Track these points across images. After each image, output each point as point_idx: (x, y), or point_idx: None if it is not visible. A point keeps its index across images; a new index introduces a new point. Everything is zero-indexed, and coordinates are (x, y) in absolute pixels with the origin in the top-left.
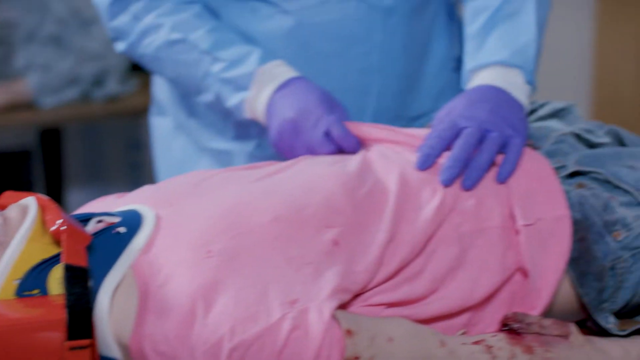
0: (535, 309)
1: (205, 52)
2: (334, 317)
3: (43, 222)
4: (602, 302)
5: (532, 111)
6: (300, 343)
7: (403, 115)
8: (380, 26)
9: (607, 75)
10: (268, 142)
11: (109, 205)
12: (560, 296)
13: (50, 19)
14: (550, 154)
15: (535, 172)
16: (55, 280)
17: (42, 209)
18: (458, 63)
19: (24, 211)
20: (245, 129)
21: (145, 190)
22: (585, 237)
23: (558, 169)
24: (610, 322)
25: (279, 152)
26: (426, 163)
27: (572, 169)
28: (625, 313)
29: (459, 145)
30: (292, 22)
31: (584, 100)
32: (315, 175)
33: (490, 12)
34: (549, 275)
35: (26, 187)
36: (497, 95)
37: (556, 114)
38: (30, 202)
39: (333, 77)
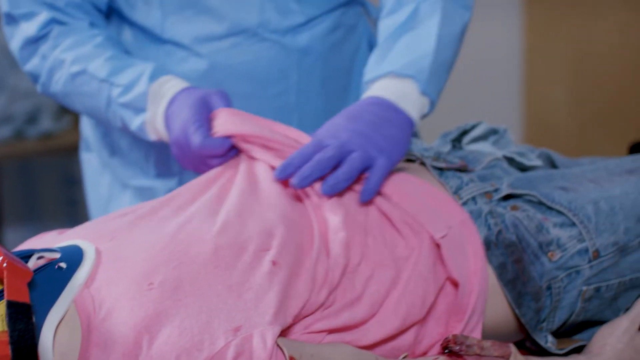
0: (466, 313)
1: (103, 80)
2: (277, 344)
3: None
4: (540, 322)
5: (465, 132)
6: None
7: None
8: (296, 66)
9: (537, 99)
10: (190, 178)
11: (50, 241)
12: (499, 317)
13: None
14: (482, 178)
15: (420, 190)
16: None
17: None
18: None
19: None
20: (167, 166)
21: (85, 226)
22: (521, 258)
23: (492, 192)
24: (548, 341)
25: (184, 169)
26: (282, 173)
27: (505, 192)
28: (563, 332)
29: (315, 159)
30: (206, 65)
31: (514, 125)
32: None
33: (394, 27)
34: (472, 277)
35: None
36: (374, 111)
37: (489, 136)
38: None
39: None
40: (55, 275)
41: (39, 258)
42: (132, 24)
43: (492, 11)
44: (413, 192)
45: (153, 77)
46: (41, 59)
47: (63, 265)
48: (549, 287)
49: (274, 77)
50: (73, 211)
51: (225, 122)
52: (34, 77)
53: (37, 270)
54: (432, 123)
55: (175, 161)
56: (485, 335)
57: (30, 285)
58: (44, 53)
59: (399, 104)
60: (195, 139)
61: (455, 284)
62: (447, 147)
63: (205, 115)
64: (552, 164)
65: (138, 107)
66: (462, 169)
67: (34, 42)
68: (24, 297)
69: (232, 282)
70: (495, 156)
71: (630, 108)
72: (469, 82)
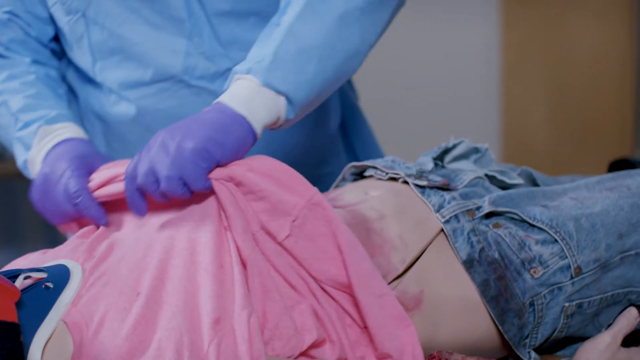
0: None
1: (13, 114)
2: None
3: None
4: (523, 338)
5: (447, 150)
6: None
7: None
8: None
9: (515, 118)
10: None
11: (35, 261)
12: (482, 333)
13: None
14: (464, 196)
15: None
16: None
17: None
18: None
19: None
20: None
21: (68, 244)
22: (503, 275)
23: (474, 210)
24: (532, 357)
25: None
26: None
27: (487, 209)
28: (546, 348)
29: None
30: (134, 110)
31: (492, 143)
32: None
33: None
34: (337, 255)
35: None
36: (187, 124)
37: (470, 154)
38: None
39: None
40: (42, 295)
41: (26, 278)
42: (72, 64)
43: (470, 29)
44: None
45: (52, 120)
46: None
47: (50, 284)
48: (531, 304)
49: None
50: (53, 232)
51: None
52: None
53: (25, 289)
54: (411, 142)
55: None
56: (469, 352)
57: (18, 304)
58: None
59: (229, 104)
60: (72, 184)
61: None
62: (430, 166)
63: (85, 169)
64: (534, 182)
65: (28, 144)
66: (444, 187)
67: None
68: (12, 316)
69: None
70: (477, 175)
71: (607, 126)
72: (447, 101)
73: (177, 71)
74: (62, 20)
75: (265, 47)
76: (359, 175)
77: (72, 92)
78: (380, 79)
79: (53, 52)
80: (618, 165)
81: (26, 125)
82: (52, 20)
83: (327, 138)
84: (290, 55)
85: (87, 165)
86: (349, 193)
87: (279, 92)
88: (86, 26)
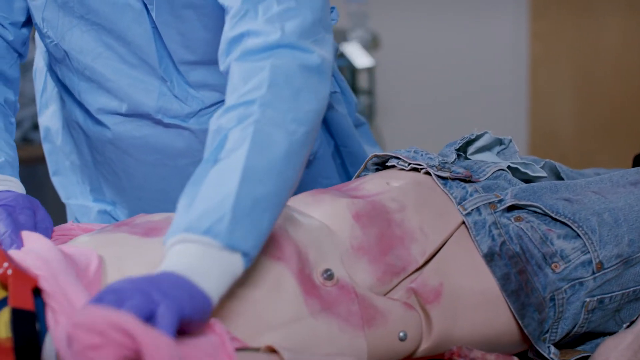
0: None
1: None
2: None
3: None
4: (543, 332)
5: (470, 142)
6: None
7: None
8: (203, 144)
9: (543, 110)
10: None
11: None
12: (502, 327)
13: None
14: (487, 188)
15: None
16: (3, 324)
17: None
18: None
19: None
20: (101, 194)
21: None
22: (524, 269)
23: (496, 202)
24: (551, 352)
25: None
26: None
27: (509, 202)
28: (566, 343)
29: None
30: (111, 135)
31: (520, 135)
32: None
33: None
34: None
35: None
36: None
37: (494, 146)
38: None
39: (164, 179)
40: None
41: None
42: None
43: (499, 20)
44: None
45: None
46: None
47: None
48: (552, 298)
49: (181, 151)
50: None
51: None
52: None
53: None
54: (438, 133)
55: (110, 190)
56: (489, 346)
57: (35, 292)
58: None
59: (191, 278)
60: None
61: None
62: (452, 157)
63: (13, 228)
64: (557, 175)
65: None
66: (467, 179)
67: None
68: (28, 304)
69: None
70: (499, 167)
71: (635, 119)
72: (475, 93)
73: (151, 110)
74: (44, 40)
75: (219, 200)
76: (382, 165)
77: (59, 93)
78: (408, 71)
79: (19, 55)
80: None
81: None
82: (30, 22)
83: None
84: (247, 208)
85: (16, 224)
86: (370, 183)
87: (236, 251)
88: (64, 53)
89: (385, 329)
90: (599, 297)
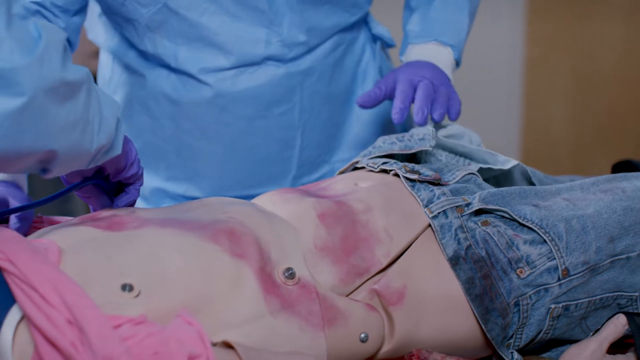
0: None
1: None
2: (235, 350)
3: None
4: (506, 338)
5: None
6: None
7: (327, 160)
8: (299, 87)
9: (537, 113)
10: (198, 185)
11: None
12: (466, 332)
13: None
14: (455, 192)
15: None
16: None
17: None
18: None
19: None
20: (179, 171)
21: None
22: (489, 273)
23: (463, 206)
24: (514, 358)
25: None
26: (403, 116)
27: (476, 206)
28: (531, 350)
29: (421, 94)
30: (212, 93)
31: (513, 137)
32: None
33: None
34: None
35: None
36: (430, 65)
37: (462, 137)
38: None
39: (256, 135)
40: None
41: None
42: (135, 49)
43: (495, 23)
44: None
45: None
46: None
47: None
48: (517, 304)
49: (278, 98)
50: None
51: None
52: None
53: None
54: None
55: (183, 169)
56: (452, 350)
57: None
58: None
59: (439, 66)
60: None
61: None
62: (430, 129)
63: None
64: (529, 180)
65: None
66: (435, 182)
67: None
68: None
69: None
70: (470, 170)
71: (631, 124)
72: (469, 94)
73: (258, 59)
74: (138, 12)
75: (460, 27)
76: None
77: (133, 73)
78: None
79: (70, 44)
80: (621, 167)
81: None
82: (82, 10)
83: None
84: (467, 35)
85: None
86: (340, 183)
87: (456, 62)
88: (167, 16)
89: (346, 330)
90: (564, 303)
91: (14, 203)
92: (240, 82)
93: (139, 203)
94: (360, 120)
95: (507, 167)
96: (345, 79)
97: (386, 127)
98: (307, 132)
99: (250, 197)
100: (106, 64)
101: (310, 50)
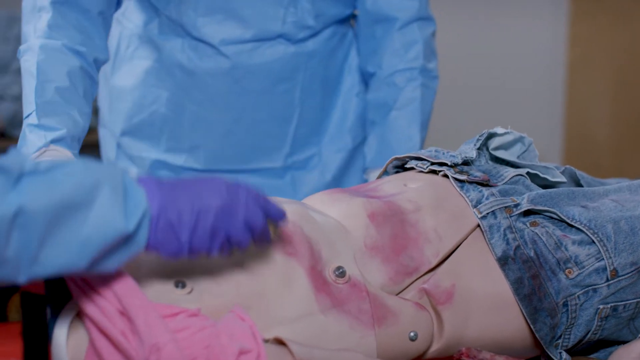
0: None
1: (35, 100)
2: (286, 344)
3: None
4: (555, 338)
5: (492, 135)
6: None
7: (315, 142)
8: (303, 67)
9: (579, 114)
10: (200, 154)
11: None
12: (514, 332)
13: None
14: (504, 193)
15: None
16: (14, 308)
17: None
18: (359, 87)
19: None
20: (177, 142)
21: None
22: (538, 274)
23: (512, 207)
24: (563, 358)
25: None
26: None
27: (525, 207)
28: (579, 350)
29: None
30: (229, 64)
31: (555, 139)
32: None
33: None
34: None
35: None
36: None
37: (514, 144)
38: None
39: (260, 110)
40: None
41: None
42: (162, 16)
43: (537, 25)
44: None
45: (56, 140)
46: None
47: None
48: (565, 304)
49: (285, 76)
50: None
51: None
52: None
53: None
54: (471, 136)
55: (185, 139)
56: (500, 349)
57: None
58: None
59: None
60: None
61: None
62: (472, 154)
63: None
64: (577, 182)
65: (27, 144)
66: (484, 183)
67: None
68: (39, 289)
69: None
70: (518, 172)
71: None
72: (510, 96)
73: (273, 34)
74: None
75: (413, 143)
76: (402, 168)
77: (149, 45)
78: (446, 73)
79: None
80: None
81: (37, 127)
82: None
83: None
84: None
85: None
86: (388, 184)
87: None
88: None
89: (396, 329)
90: (612, 304)
91: None
92: (256, 56)
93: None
94: (343, 109)
95: (556, 179)
96: (336, 67)
97: (364, 122)
98: (304, 111)
99: (245, 172)
100: (113, 38)
101: (314, 34)
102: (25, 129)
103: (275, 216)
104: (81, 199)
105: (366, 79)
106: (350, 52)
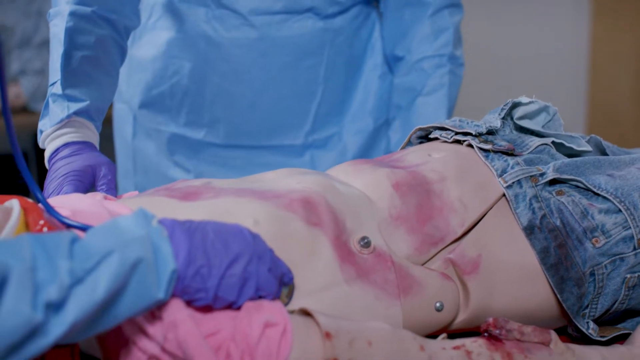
0: None
1: (61, 68)
2: (312, 315)
3: (26, 224)
4: (582, 308)
5: (516, 105)
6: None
7: (336, 122)
8: (329, 44)
9: (602, 89)
10: (219, 129)
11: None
12: (541, 301)
13: (45, 24)
14: (529, 162)
15: None
16: None
17: (25, 210)
18: (382, 69)
19: (7, 213)
20: (197, 116)
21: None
22: (564, 243)
23: (537, 176)
24: (590, 327)
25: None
26: None
27: (551, 176)
28: (606, 320)
29: None
30: (256, 35)
31: (578, 114)
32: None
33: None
34: None
35: (22, 189)
36: None
37: (539, 113)
38: (13, 204)
39: (284, 85)
40: None
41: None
42: None
43: (561, 2)
44: None
45: (80, 112)
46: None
47: None
48: (592, 273)
49: (311, 51)
50: None
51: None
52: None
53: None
54: (495, 105)
55: (206, 113)
56: (527, 319)
57: None
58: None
59: None
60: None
61: None
62: (497, 123)
63: (88, 178)
64: (602, 151)
65: (52, 119)
66: (509, 153)
67: None
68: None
69: None
70: (543, 142)
71: None
72: (534, 72)
73: (302, 8)
74: None
75: None
76: (425, 138)
77: (174, 15)
78: (468, 71)
79: None
80: None
81: (61, 97)
82: None
83: None
84: None
85: (92, 175)
86: (413, 154)
87: None
88: None
89: (421, 299)
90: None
91: (106, 173)
92: (285, 29)
93: (152, 150)
94: (365, 90)
95: (581, 148)
96: (360, 46)
97: (388, 103)
98: (327, 89)
99: (265, 147)
100: (145, 9)
101: (343, 11)
102: (49, 98)
103: (287, 273)
104: (118, 287)
105: (392, 62)
106: (374, 33)
